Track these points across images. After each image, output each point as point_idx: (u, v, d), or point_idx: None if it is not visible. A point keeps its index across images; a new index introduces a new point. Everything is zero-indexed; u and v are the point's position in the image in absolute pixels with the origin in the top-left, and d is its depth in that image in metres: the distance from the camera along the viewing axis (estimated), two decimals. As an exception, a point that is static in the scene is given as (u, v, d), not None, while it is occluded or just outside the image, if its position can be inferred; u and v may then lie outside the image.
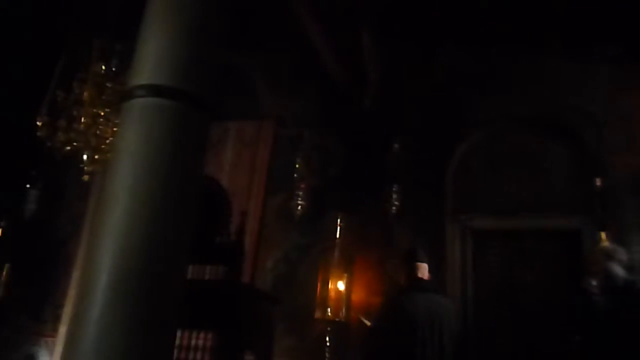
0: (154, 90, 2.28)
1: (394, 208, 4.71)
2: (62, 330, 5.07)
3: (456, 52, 5.05)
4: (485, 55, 4.96)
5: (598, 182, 4.28)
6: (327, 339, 4.36)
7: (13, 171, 5.49)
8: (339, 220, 4.74)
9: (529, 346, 4.25)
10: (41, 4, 4.85)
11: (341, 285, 4.51)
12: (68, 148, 3.51)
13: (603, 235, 3.80)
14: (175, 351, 3.00)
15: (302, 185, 4.84)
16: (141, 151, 2.23)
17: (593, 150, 4.50)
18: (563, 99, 4.68)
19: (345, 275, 4.57)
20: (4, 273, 4.92)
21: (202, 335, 3.06)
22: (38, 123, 3.47)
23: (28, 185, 5.26)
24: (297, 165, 4.88)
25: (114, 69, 3.59)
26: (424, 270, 3.09)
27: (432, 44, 5.11)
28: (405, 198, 4.72)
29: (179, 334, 3.09)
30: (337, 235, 4.71)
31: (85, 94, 3.47)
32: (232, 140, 5.40)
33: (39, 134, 3.49)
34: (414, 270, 3.08)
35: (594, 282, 2.66)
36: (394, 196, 4.72)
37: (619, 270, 2.71)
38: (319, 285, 4.53)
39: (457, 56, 5.05)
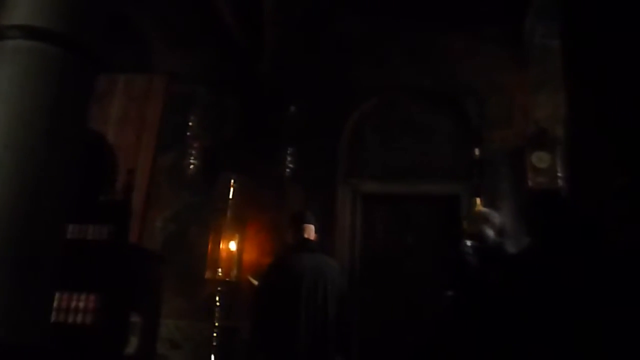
0: (30, 31, 2.09)
1: (287, 171, 4.76)
2: None
3: (353, 20, 5.13)
4: (380, 26, 5.09)
5: (477, 152, 4.63)
6: (217, 298, 4.37)
7: None
8: (232, 181, 4.71)
9: (409, 303, 4.56)
10: None
11: (233, 246, 4.52)
12: None
13: (478, 200, 4.14)
14: (55, 313, 2.86)
15: (195, 144, 4.72)
16: (13, 98, 2.05)
17: (474, 123, 4.83)
18: (451, 73, 4.95)
19: (237, 235, 4.58)
20: None
21: (84, 297, 2.94)
22: None
23: None
24: (190, 124, 4.75)
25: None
26: (310, 231, 3.17)
27: (330, 10, 5.13)
28: (299, 161, 4.79)
29: (60, 295, 2.94)
30: (230, 196, 4.68)
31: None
32: (120, 93, 5.08)
33: None
34: (300, 231, 3.15)
35: (468, 243, 2.88)
36: (288, 159, 4.77)
37: (490, 233, 2.96)
38: (210, 245, 4.50)
39: (353, 24, 5.14)
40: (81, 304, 2.94)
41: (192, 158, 4.67)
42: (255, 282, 3.72)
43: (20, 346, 1.88)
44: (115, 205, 3.35)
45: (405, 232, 4.89)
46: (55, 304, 2.79)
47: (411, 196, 4.95)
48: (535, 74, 4.72)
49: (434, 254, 4.59)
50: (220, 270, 4.42)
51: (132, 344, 3.53)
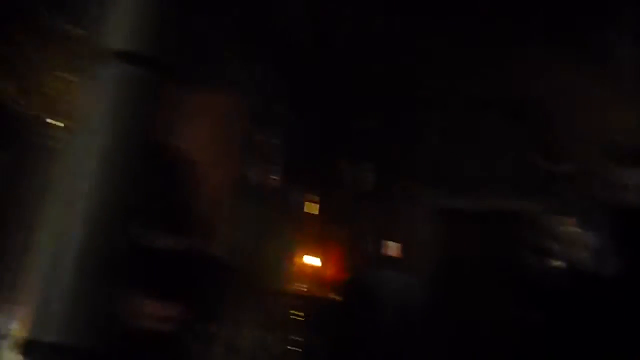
0: (123, 56, 2.23)
1: (366, 186, 4.76)
2: (24, 298, 5.00)
3: (422, 28, 5.04)
4: (451, 35, 4.97)
5: (552, 165, 4.42)
6: (296, 312, 4.41)
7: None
8: (312, 196, 4.76)
9: (483, 323, 4.40)
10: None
11: (312, 260, 4.55)
12: (32, 113, 3.43)
13: (563, 219, 3.94)
14: (142, 320, 3.00)
15: (275, 159, 4.83)
16: (108, 118, 2.19)
17: (550, 136, 4.61)
18: (522, 82, 4.75)
19: (316, 250, 4.61)
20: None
21: (168, 305, 3.07)
22: (5, 87, 3.37)
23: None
24: (270, 138, 4.87)
25: (85, 32, 3.49)
26: (391, 248, 3.15)
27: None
28: (377, 176, 4.77)
29: (145, 303, 3.09)
30: (310, 211, 4.73)
31: (54, 58, 3.38)
32: (203, 111, 5.30)
33: (3, 99, 3.39)
34: (382, 247, 3.13)
35: (553, 263, 2.75)
36: (367, 174, 4.77)
37: (577, 252, 2.81)
38: (288, 259, 4.57)
39: (422, 33, 5.04)
40: (165, 312, 3.08)
41: (272, 173, 4.78)
42: (337, 297, 3.73)
43: (99, 352, 1.99)
44: (198, 217, 3.49)
45: (482, 250, 4.73)
46: (137, 311, 2.96)
47: (488, 212, 4.79)
48: (618, 85, 4.45)
49: (511, 273, 4.41)
50: (298, 283, 4.46)
51: (211, 353, 3.65)
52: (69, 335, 1.94)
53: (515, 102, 4.76)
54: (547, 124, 4.64)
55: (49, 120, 3.42)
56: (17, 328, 4.83)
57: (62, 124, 3.38)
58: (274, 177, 4.80)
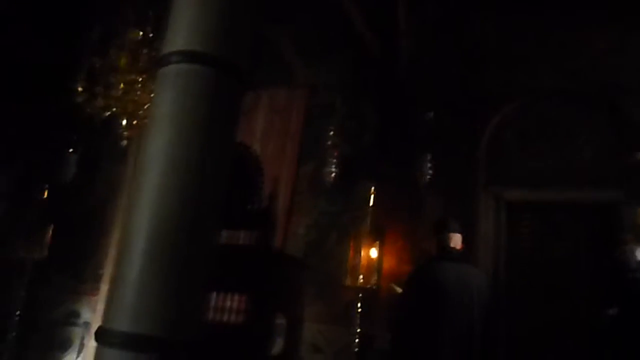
0: (188, 56, 2.31)
1: (426, 178, 4.68)
2: (104, 289, 5.28)
3: (488, 20, 4.88)
4: (517, 25, 4.78)
5: (632, 155, 4.16)
6: (358, 305, 4.42)
7: (54, 136, 5.68)
8: (371, 189, 4.74)
9: (560, 319, 4.23)
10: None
11: (373, 253, 4.54)
12: (106, 114, 3.59)
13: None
14: (211, 312, 3.10)
15: (335, 153, 4.84)
16: (175, 117, 2.27)
17: (632, 122, 4.34)
18: (599, 69, 4.49)
19: (377, 243, 4.60)
20: (48, 234, 5.14)
21: (235, 297, 3.16)
22: (78, 89, 3.55)
23: (70, 150, 5.44)
24: (329, 133, 4.89)
25: (150, 35, 3.63)
26: (456, 240, 3.08)
27: (464, 11, 4.94)
28: (438, 168, 4.68)
29: (213, 296, 3.20)
30: (369, 204, 4.71)
31: (122, 60, 3.53)
32: (264, 107, 5.42)
33: (78, 100, 3.58)
34: (446, 240, 3.07)
35: (635, 258, 2.60)
36: (426, 166, 4.68)
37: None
38: (349, 252, 4.58)
39: (488, 25, 4.88)
40: (233, 304, 3.18)
41: (332, 167, 4.80)
42: (399, 290, 3.70)
43: (180, 343, 2.07)
44: (262, 212, 3.57)
45: (553, 243, 4.53)
46: (211, 304, 3.07)
47: (559, 204, 4.58)
48: None
49: (589, 268, 4.20)
50: (360, 277, 4.46)
51: (278, 345, 3.72)
52: (138, 325, 2.03)
53: (593, 90, 4.51)
54: (627, 112, 4.37)
55: (118, 121, 3.58)
56: (96, 317, 5.12)
57: (131, 124, 3.53)
58: (335, 171, 4.81)
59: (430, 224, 3.79)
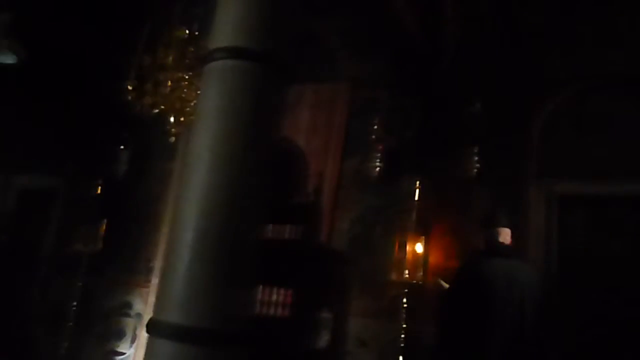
0: (232, 52, 2.33)
1: (473, 171, 4.57)
2: (154, 281, 5.43)
3: (538, 5, 4.69)
4: (570, 7, 4.58)
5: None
6: (404, 300, 4.38)
7: (106, 134, 5.87)
8: (416, 183, 4.68)
9: (615, 320, 4.05)
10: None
11: (419, 248, 4.48)
12: (155, 111, 3.68)
13: None
14: (258, 306, 3.14)
15: (379, 147, 4.80)
16: (221, 113, 2.31)
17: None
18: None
19: (423, 238, 4.53)
20: (102, 228, 5.33)
21: (282, 291, 3.19)
22: (128, 87, 3.65)
23: (121, 147, 5.61)
24: (374, 127, 4.84)
25: (196, 33, 3.69)
26: (505, 235, 2.99)
27: None
28: (485, 160, 4.56)
29: (260, 290, 3.23)
30: (414, 198, 4.65)
31: (169, 58, 3.61)
32: (309, 102, 5.42)
33: (128, 97, 3.68)
34: (494, 234, 2.99)
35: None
36: (474, 158, 4.57)
37: None
38: (395, 247, 4.53)
39: (538, 9, 4.69)
40: (279, 298, 3.21)
41: (376, 161, 4.76)
42: (446, 285, 3.63)
43: (228, 335, 2.11)
44: (307, 207, 3.58)
45: (608, 239, 4.34)
46: (258, 297, 3.10)
47: (616, 198, 4.37)
48: None
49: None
50: (405, 272, 4.42)
51: (324, 339, 3.73)
52: (187, 317, 2.07)
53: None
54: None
55: (166, 117, 3.66)
56: (148, 309, 5.27)
57: (178, 120, 3.61)
58: (379, 165, 4.77)
59: (478, 218, 3.70)
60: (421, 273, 4.44)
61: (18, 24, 3.75)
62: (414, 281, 4.41)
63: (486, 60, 4.88)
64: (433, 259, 4.58)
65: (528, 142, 4.65)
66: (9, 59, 3.77)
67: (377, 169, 4.79)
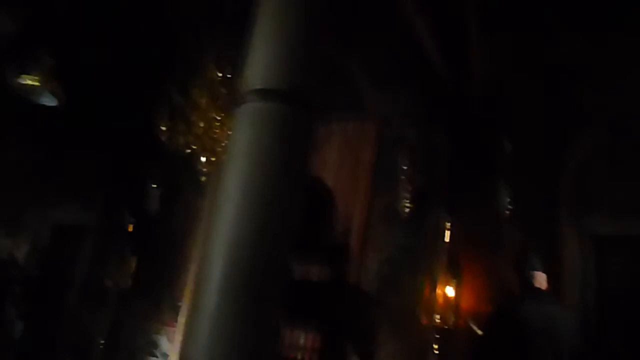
0: (264, 94, 2.37)
1: (505, 209, 4.47)
2: (181, 320, 5.42)
3: (570, 39, 4.63)
4: (602, 39, 4.51)
5: None
6: (434, 346, 4.24)
7: (139, 170, 6.00)
8: (446, 223, 4.60)
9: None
10: (159, 15, 5.19)
11: (450, 291, 4.36)
12: (187, 150, 3.75)
13: None
14: (285, 349, 3.08)
15: (408, 186, 4.76)
16: (251, 153, 2.33)
17: None
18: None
19: (454, 280, 4.42)
20: (132, 264, 5.39)
21: (309, 335, 3.13)
22: (161, 126, 3.74)
23: (154, 185, 5.72)
24: (402, 165, 4.81)
25: (228, 75, 3.78)
26: (541, 280, 2.89)
27: (542, 33, 4.72)
28: (517, 199, 4.46)
29: (287, 332, 3.18)
30: (445, 238, 4.56)
31: (203, 99, 3.69)
32: (336, 140, 5.45)
33: (161, 137, 3.77)
34: (529, 279, 2.89)
35: None
36: (505, 196, 4.48)
37: None
38: (425, 289, 4.43)
39: (568, 41, 4.63)
40: (307, 342, 3.14)
41: (405, 200, 4.72)
42: (478, 332, 3.52)
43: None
44: (335, 247, 3.55)
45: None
46: (283, 340, 3.05)
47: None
48: None
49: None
50: (436, 316, 4.29)
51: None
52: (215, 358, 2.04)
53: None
54: None
55: (198, 156, 3.72)
56: (174, 349, 5.24)
57: (209, 160, 3.66)
58: (409, 204, 4.72)
59: (510, 259, 3.60)
60: (452, 317, 4.31)
61: (59, 67, 3.91)
62: (445, 326, 4.28)
63: (518, 95, 4.84)
64: (464, 303, 4.45)
65: (560, 181, 4.55)
66: (51, 102, 3.92)
67: (407, 208, 4.74)
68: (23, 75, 3.65)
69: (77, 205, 6.70)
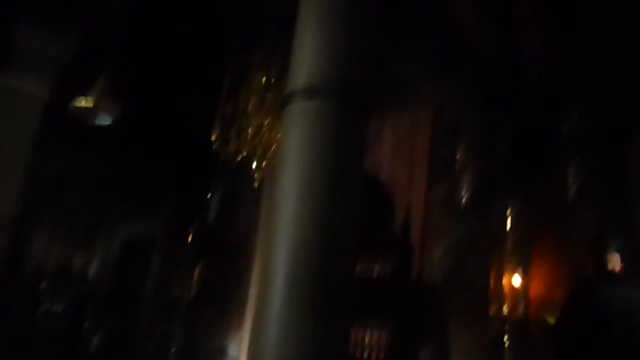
0: (309, 93, 2.34)
1: (573, 190, 4.24)
2: (247, 324, 5.49)
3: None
4: None
5: None
6: (505, 337, 4.08)
7: (196, 182, 6.14)
8: (509, 209, 4.41)
9: None
10: (207, 26, 5.28)
11: (517, 279, 4.18)
12: (239, 157, 3.79)
13: None
14: (352, 348, 3.05)
15: (466, 173, 4.61)
16: (303, 154, 2.31)
17: None
18: None
19: (521, 268, 4.23)
20: (196, 273, 5.51)
21: (375, 332, 3.08)
22: (212, 136, 3.80)
23: (211, 194, 5.83)
24: (458, 154, 4.68)
25: (273, 78, 3.79)
26: (615, 261, 2.72)
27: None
28: (588, 177, 4.22)
29: (353, 331, 3.15)
30: (509, 225, 4.38)
31: (250, 104, 3.72)
32: (389, 134, 5.36)
33: (213, 146, 3.82)
34: (603, 260, 2.72)
35: None
36: (573, 176, 4.25)
37: None
38: (491, 279, 4.26)
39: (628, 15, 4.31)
40: (373, 340, 3.10)
41: (464, 188, 4.58)
42: (552, 321, 3.34)
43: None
44: (395, 241, 3.48)
45: None
46: (351, 339, 3.01)
47: None
48: None
49: None
50: (505, 306, 4.12)
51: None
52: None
53: None
54: None
55: (250, 162, 3.75)
56: (242, 354, 5.32)
57: (260, 165, 3.68)
58: (468, 192, 4.57)
59: (583, 242, 3.40)
60: (522, 307, 4.13)
61: (113, 86, 4.04)
62: (515, 316, 4.10)
63: (576, 68, 4.57)
64: (534, 291, 4.24)
65: (633, 153, 4.25)
66: (105, 121, 4.06)
67: (466, 196, 4.60)
68: (78, 98, 3.80)
69: (143, 219, 6.92)
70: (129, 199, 6.93)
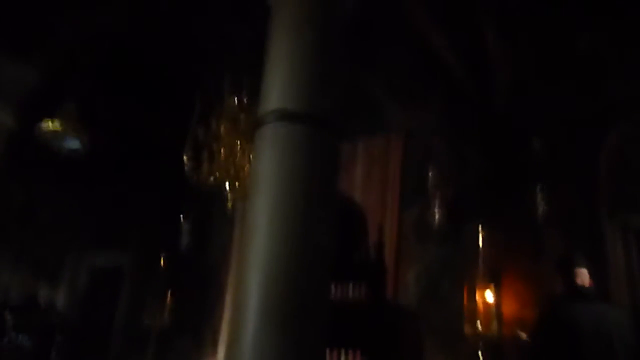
0: (281, 114, 2.36)
1: (540, 211, 4.35)
2: (221, 353, 5.38)
3: (597, 28, 4.48)
4: (633, 32, 4.38)
5: None
6: (480, 354, 4.10)
7: (167, 207, 6.05)
8: (480, 230, 4.49)
9: None
10: (176, 53, 5.28)
11: (489, 297, 4.23)
12: (211, 179, 3.76)
13: None
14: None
15: (438, 196, 4.68)
16: (275, 177, 2.31)
17: None
18: None
19: (492, 286, 4.28)
20: (168, 300, 5.38)
21: (350, 354, 3.06)
22: (184, 159, 3.77)
23: (182, 217, 5.74)
24: (430, 176, 4.75)
25: (245, 100, 3.80)
26: (584, 277, 2.77)
27: (565, 25, 4.59)
28: (552, 200, 4.33)
29: (328, 354, 3.12)
30: (480, 245, 4.45)
31: (222, 127, 3.71)
32: (362, 157, 5.41)
33: (185, 169, 3.79)
34: (572, 276, 2.78)
35: None
36: (539, 198, 4.36)
37: None
38: (465, 298, 4.30)
39: (598, 33, 4.48)
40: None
41: (436, 210, 4.64)
42: (524, 337, 3.38)
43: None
44: (369, 263, 3.49)
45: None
46: (326, 362, 2.99)
47: None
48: None
49: None
50: (479, 324, 4.16)
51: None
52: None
53: None
54: None
55: (222, 184, 3.72)
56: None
57: (233, 186, 3.66)
58: (440, 214, 4.63)
59: (551, 260, 3.47)
60: (495, 325, 4.16)
61: (81, 111, 3.99)
62: (489, 334, 4.13)
63: (542, 94, 4.72)
64: (507, 309, 4.30)
65: (596, 175, 4.40)
66: (74, 145, 4.00)
67: (438, 218, 4.65)
68: (46, 120, 3.73)
69: (111, 247, 6.77)
70: (96, 227, 6.78)
